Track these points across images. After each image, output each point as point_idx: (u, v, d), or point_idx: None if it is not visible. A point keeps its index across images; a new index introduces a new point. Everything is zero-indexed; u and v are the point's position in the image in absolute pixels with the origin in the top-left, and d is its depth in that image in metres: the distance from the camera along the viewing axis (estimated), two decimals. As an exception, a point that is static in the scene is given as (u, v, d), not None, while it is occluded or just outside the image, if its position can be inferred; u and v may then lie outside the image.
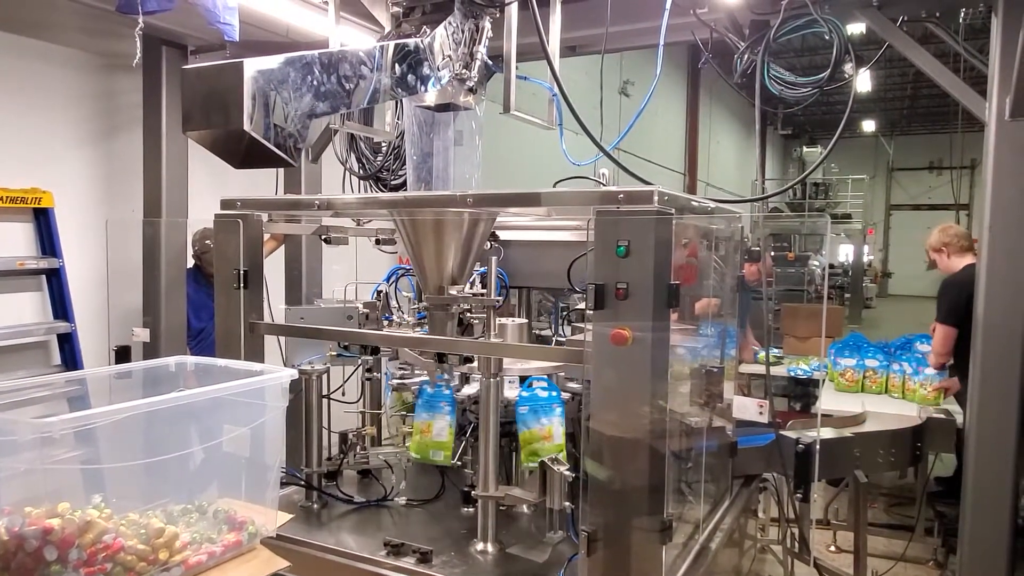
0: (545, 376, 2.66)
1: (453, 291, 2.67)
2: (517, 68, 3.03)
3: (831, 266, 16.94)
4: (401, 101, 3.38)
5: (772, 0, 3.36)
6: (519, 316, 3.32)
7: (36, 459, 1.58)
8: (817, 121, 24.02)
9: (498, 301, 2.65)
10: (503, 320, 2.72)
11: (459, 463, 2.83)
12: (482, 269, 2.92)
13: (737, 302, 3.38)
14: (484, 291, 2.78)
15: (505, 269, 3.30)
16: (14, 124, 4.16)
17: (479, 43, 3.00)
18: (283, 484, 2.91)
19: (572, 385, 2.72)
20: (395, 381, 2.98)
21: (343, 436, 3.09)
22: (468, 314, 2.86)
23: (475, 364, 2.60)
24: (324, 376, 2.98)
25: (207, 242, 4.61)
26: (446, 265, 2.69)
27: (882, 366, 5.41)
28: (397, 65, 2.60)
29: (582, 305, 2.52)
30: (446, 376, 2.74)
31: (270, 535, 2.01)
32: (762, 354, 6.76)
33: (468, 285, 2.83)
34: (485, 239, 2.78)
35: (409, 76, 2.66)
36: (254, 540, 1.93)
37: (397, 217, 2.73)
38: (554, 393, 2.55)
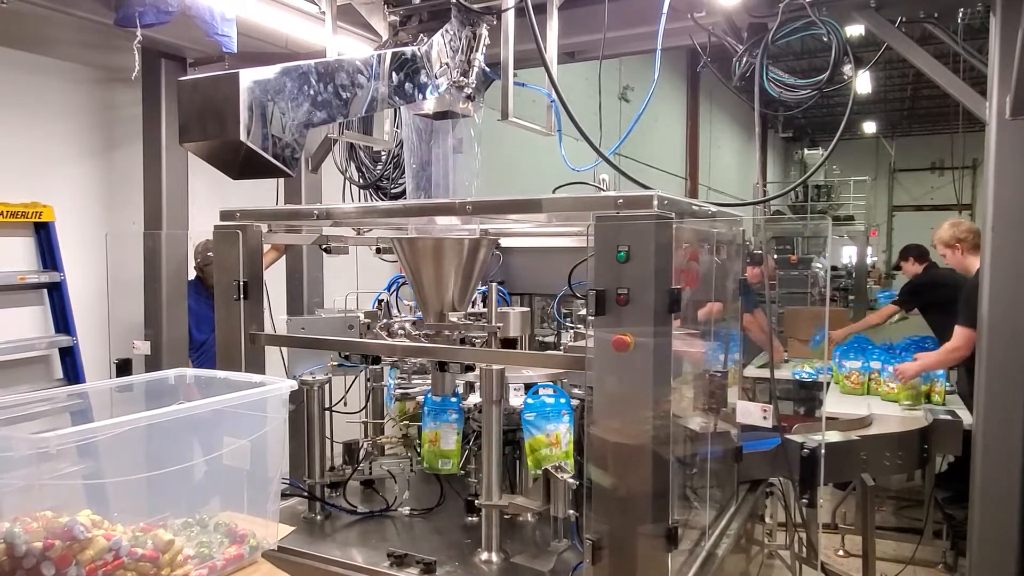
0: (551, 383, 2.65)
1: (453, 317, 2.66)
2: (516, 75, 3.02)
3: (834, 268, 16.90)
4: (399, 110, 3.38)
5: (770, 3, 3.36)
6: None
7: (34, 474, 1.57)
8: (818, 123, 23.99)
9: (499, 327, 2.64)
10: (504, 309, 2.71)
11: (463, 471, 2.82)
12: (484, 288, 2.91)
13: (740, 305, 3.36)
14: (485, 310, 2.77)
15: (506, 276, 3.29)
16: (14, 138, 4.16)
17: (476, 50, 3.00)
18: (285, 495, 2.89)
19: (576, 392, 2.71)
20: (398, 391, 2.96)
21: (347, 446, 3.08)
22: (470, 335, 2.85)
23: (476, 372, 2.59)
24: (326, 386, 2.97)
25: (209, 254, 4.61)
26: (446, 292, 2.68)
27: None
28: (394, 73, 2.60)
29: (584, 311, 2.51)
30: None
31: (271, 548, 1.99)
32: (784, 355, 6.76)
33: (470, 306, 2.83)
34: (486, 265, 2.77)
35: (406, 84, 2.66)
36: (255, 553, 1.91)
37: (397, 243, 2.73)
38: (562, 400, 2.54)
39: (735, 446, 3.14)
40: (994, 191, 3.11)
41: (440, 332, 2.70)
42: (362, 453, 3.08)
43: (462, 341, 2.70)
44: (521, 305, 3.38)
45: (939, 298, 5.96)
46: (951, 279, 6.16)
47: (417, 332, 2.86)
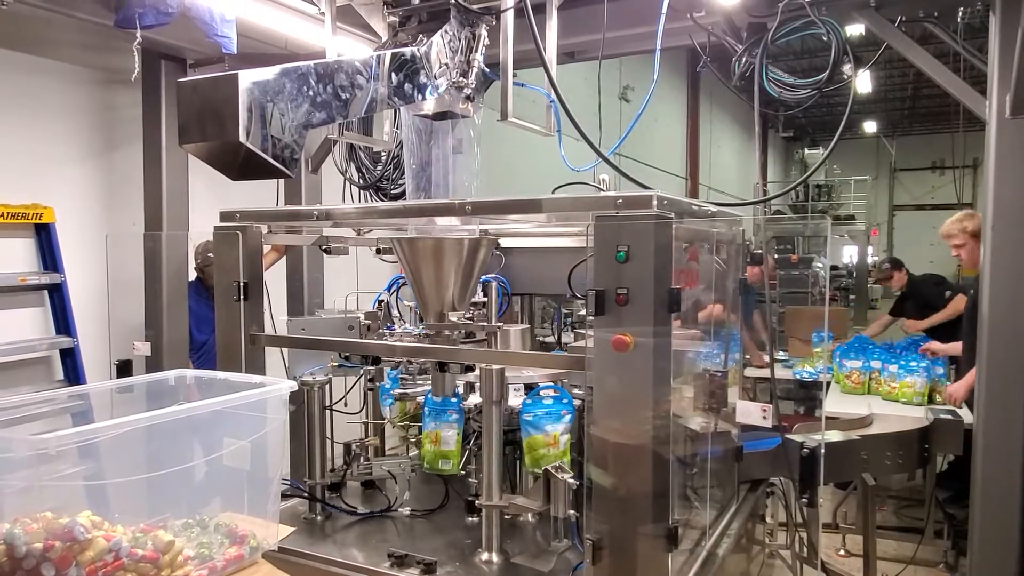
0: (552, 383, 2.65)
1: (453, 317, 2.66)
2: (516, 75, 3.02)
3: (835, 267, 16.90)
4: (399, 110, 3.38)
5: (769, 2, 3.36)
6: (522, 323, 3.31)
7: (34, 475, 1.57)
8: (819, 123, 23.98)
9: (499, 327, 2.64)
10: (504, 326, 2.70)
11: (463, 472, 2.82)
12: (485, 277, 2.91)
13: (740, 305, 3.36)
14: (485, 301, 2.77)
15: (507, 276, 3.29)
16: (15, 140, 4.16)
17: (476, 51, 3.00)
18: (286, 496, 2.89)
19: (576, 392, 2.71)
20: (397, 391, 2.96)
21: (347, 447, 3.08)
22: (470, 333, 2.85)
23: (476, 373, 2.59)
24: (326, 387, 2.97)
25: (209, 255, 4.61)
26: (446, 292, 2.68)
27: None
28: (394, 74, 2.60)
29: (584, 311, 2.51)
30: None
31: (272, 548, 1.99)
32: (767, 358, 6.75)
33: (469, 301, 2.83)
34: (485, 264, 2.77)
35: (406, 85, 2.66)
36: (256, 554, 1.92)
37: (396, 244, 2.73)
38: (563, 400, 2.54)
39: (735, 446, 3.14)
40: (994, 190, 3.11)
41: (440, 332, 2.70)
42: (352, 454, 3.07)
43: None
44: (521, 305, 3.38)
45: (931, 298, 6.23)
46: (940, 278, 6.80)
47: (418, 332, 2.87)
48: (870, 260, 19.42)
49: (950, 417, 3.98)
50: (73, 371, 4.33)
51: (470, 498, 2.77)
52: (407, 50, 2.68)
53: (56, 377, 4.38)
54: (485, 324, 2.64)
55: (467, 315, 2.76)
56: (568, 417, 2.52)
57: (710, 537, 2.70)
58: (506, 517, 2.58)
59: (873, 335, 6.62)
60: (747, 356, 6.43)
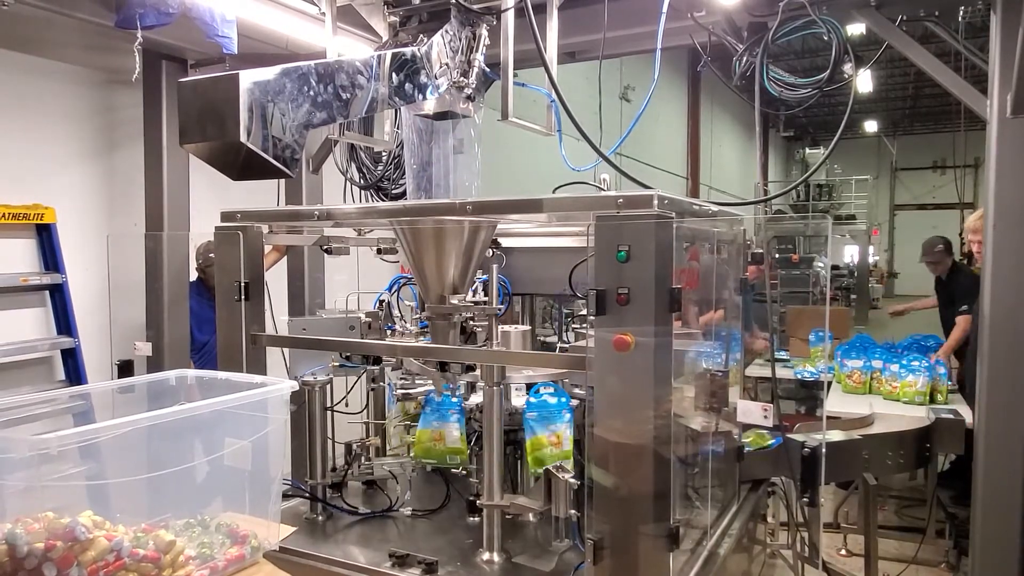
0: (552, 382, 2.65)
1: (454, 300, 2.66)
2: (516, 75, 3.02)
3: (836, 267, 16.91)
4: (400, 110, 3.38)
5: (770, 2, 3.35)
6: (523, 323, 3.31)
7: (36, 475, 1.57)
8: (819, 123, 23.99)
9: (500, 309, 2.64)
10: (506, 327, 2.70)
11: (464, 472, 2.82)
12: (484, 277, 2.91)
13: (741, 305, 3.36)
14: (486, 299, 2.77)
15: (508, 276, 3.29)
16: (16, 140, 4.17)
17: (476, 51, 3.00)
18: (287, 496, 2.89)
19: (578, 391, 2.71)
20: (399, 392, 2.96)
21: (348, 447, 3.08)
22: (471, 322, 2.85)
23: (478, 373, 2.59)
24: (328, 387, 2.97)
25: (210, 255, 4.61)
26: (447, 274, 2.68)
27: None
28: (394, 74, 2.59)
29: (584, 311, 2.51)
30: (451, 385, 2.73)
31: (273, 548, 1.99)
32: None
33: (470, 293, 2.82)
34: (486, 247, 2.77)
35: (406, 85, 2.66)
36: (257, 554, 1.92)
37: (397, 227, 2.73)
38: (562, 399, 2.54)
39: (737, 445, 3.14)
40: (995, 189, 3.11)
41: (441, 315, 2.69)
42: (353, 454, 3.07)
43: (463, 330, 2.69)
44: (523, 305, 3.38)
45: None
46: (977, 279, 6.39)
47: (417, 332, 2.87)
48: (871, 260, 19.41)
49: (951, 416, 3.98)
50: (74, 371, 4.33)
51: (471, 498, 2.77)
52: (408, 50, 2.68)
53: (57, 377, 4.38)
54: (486, 307, 2.63)
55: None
56: (569, 416, 2.52)
57: (711, 537, 2.70)
58: (507, 517, 2.58)
59: (901, 310, 6.44)
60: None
